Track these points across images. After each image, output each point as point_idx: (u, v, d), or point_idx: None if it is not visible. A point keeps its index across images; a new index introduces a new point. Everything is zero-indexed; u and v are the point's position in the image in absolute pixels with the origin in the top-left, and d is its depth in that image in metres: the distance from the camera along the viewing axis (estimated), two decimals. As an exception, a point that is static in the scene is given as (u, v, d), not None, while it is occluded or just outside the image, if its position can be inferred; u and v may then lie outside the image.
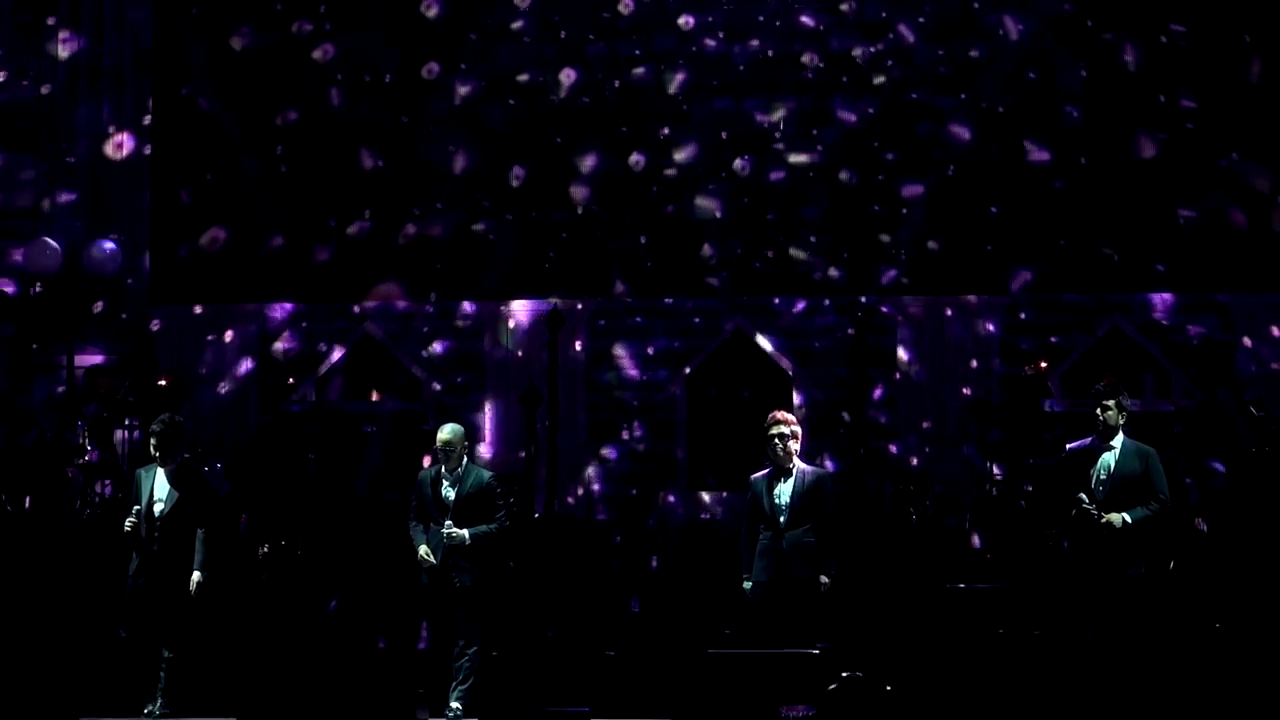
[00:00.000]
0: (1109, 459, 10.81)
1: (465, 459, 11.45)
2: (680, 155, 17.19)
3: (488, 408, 17.22)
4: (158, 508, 11.56)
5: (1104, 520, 10.63)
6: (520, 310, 17.29)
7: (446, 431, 11.45)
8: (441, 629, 11.39)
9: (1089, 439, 10.95)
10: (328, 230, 17.29)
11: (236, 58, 17.49)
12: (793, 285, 17.07)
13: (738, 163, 17.05)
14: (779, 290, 17.11)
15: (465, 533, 11.27)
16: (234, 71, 17.49)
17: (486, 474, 11.55)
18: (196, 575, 11.47)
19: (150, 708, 11.42)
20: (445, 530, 11.25)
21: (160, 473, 11.64)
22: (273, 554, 13.97)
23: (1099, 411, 10.87)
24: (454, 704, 11.24)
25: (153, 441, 11.62)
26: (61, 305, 17.15)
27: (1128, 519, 10.66)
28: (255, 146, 17.36)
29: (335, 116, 17.41)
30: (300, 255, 17.31)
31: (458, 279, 17.34)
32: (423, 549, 11.32)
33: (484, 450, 16.88)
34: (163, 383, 16.11)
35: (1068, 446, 11.07)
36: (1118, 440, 10.85)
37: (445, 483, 11.38)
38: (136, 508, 11.57)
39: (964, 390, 16.74)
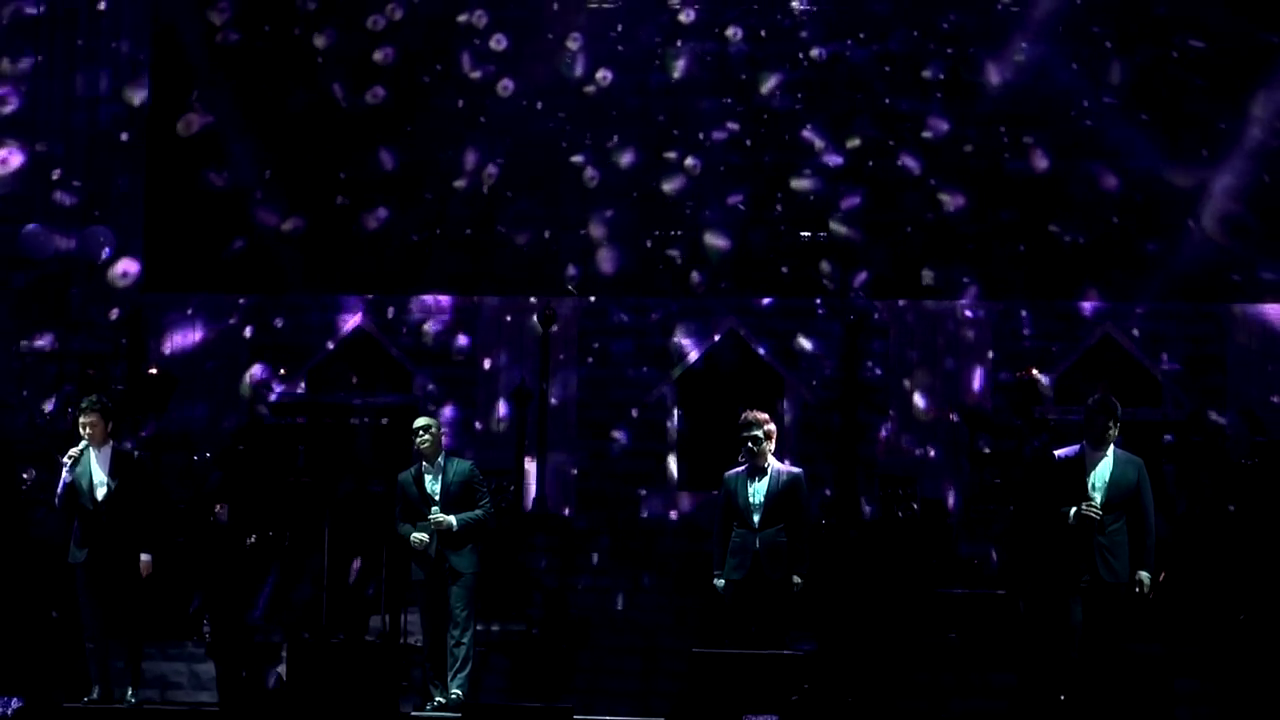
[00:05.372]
0: (1104, 467, 10.82)
1: (442, 451, 11.56)
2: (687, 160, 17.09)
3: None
4: (99, 491, 11.28)
5: (1141, 589, 10.67)
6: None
7: (421, 419, 11.65)
8: (436, 619, 11.38)
9: (1076, 447, 10.94)
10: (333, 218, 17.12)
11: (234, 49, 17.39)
12: (786, 287, 17.03)
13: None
14: (771, 292, 17.08)
15: (452, 519, 11.37)
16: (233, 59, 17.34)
17: (467, 462, 11.73)
18: (145, 557, 11.28)
19: (121, 693, 11.31)
20: (432, 517, 11.34)
21: (94, 456, 11.34)
22: (260, 544, 13.95)
23: (1101, 432, 10.85)
24: (455, 690, 11.25)
25: (87, 422, 11.26)
26: (52, 291, 17.04)
27: (1145, 577, 10.72)
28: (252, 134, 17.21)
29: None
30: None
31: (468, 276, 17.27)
32: (416, 534, 11.37)
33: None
34: (153, 371, 16.10)
35: (1057, 455, 11.03)
36: (1110, 449, 10.86)
37: (428, 477, 11.52)
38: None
39: (955, 397, 16.74)
